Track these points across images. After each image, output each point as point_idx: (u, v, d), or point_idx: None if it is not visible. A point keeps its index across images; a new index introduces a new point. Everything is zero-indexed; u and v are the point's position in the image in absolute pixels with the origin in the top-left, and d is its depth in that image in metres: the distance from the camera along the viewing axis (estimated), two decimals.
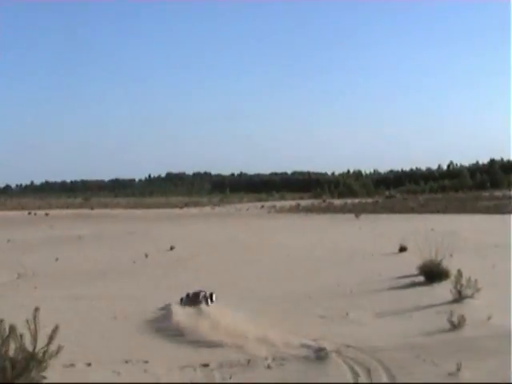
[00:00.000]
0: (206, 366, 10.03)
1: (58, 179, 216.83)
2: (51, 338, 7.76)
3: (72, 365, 10.06)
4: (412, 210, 63.14)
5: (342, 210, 69.06)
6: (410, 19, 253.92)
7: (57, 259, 26.54)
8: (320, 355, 10.22)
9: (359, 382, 9.02)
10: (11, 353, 7.75)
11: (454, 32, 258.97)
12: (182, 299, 15.46)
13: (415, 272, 18.46)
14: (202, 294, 15.54)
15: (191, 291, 15.61)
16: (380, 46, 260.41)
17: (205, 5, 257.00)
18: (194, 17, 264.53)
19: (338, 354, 10.34)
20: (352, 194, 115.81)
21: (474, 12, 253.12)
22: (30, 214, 77.02)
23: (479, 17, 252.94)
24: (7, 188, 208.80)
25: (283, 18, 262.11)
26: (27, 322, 7.69)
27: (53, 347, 7.85)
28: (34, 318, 7.67)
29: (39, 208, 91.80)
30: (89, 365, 10.21)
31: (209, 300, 15.51)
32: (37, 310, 7.74)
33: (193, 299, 15.30)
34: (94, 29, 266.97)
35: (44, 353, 7.86)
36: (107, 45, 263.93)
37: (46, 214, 74.32)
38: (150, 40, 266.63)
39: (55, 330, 7.78)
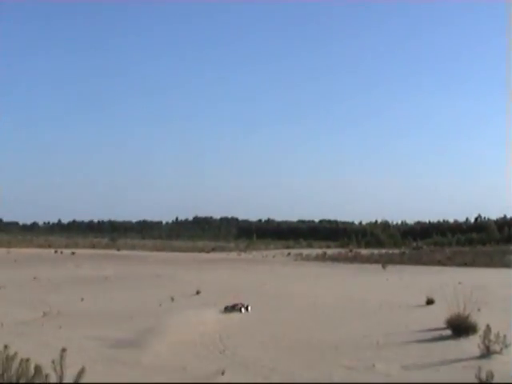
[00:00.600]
0: None
1: (86, 219, 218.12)
2: (78, 378, 7.75)
3: None
4: (439, 263, 62.45)
5: (369, 260, 68.56)
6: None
7: (82, 299, 26.58)
8: None
9: None
10: None
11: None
12: (226, 307, 23.23)
13: (442, 325, 18.25)
14: (239, 305, 23.55)
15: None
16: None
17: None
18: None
19: None
20: (379, 244, 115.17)
21: None
22: (56, 252, 77.22)
23: None
24: (34, 225, 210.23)
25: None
26: (53, 362, 7.68)
27: None
28: (61, 358, 7.67)
29: (66, 247, 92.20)
30: None
31: (244, 309, 23.37)
32: (64, 350, 7.74)
33: (232, 308, 23.22)
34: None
35: None
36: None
37: (73, 253, 74.55)
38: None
39: (82, 371, 7.77)
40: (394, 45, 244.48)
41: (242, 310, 23.41)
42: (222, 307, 23.18)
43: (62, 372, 7.70)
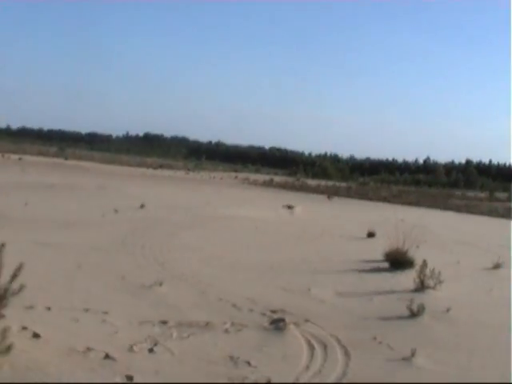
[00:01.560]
0: (164, 323, 10.07)
1: (35, 126, 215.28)
2: (15, 276, 7.72)
3: (31, 307, 10.05)
4: (384, 199, 63.27)
5: (315, 190, 69.16)
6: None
7: (26, 204, 26.37)
8: (279, 326, 10.29)
9: (314, 354, 9.11)
10: None
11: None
12: None
13: (381, 258, 18.58)
14: None
15: None
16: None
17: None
18: None
19: (297, 326, 10.43)
20: (327, 176, 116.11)
21: None
22: (3, 156, 76.31)
23: None
24: None
25: None
26: None
27: (15, 286, 7.81)
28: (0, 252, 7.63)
29: (13, 152, 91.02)
30: (48, 309, 10.20)
31: None
32: (3, 245, 7.69)
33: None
34: None
35: (6, 290, 7.83)
36: None
37: (20, 159, 73.72)
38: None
39: (19, 268, 7.74)
40: None
41: None
42: None
43: (1, 267, 7.65)
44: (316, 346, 9.51)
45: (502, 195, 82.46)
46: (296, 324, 10.48)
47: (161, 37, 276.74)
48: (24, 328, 8.96)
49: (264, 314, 11.12)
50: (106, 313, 10.32)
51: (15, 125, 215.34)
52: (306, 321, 10.90)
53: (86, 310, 10.36)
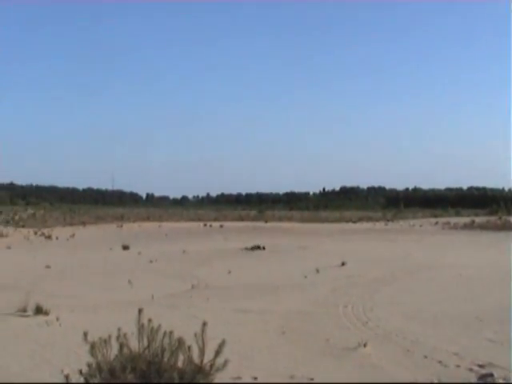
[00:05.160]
0: None
1: (234, 191, 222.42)
2: (218, 352, 7.95)
3: (239, 377, 10.32)
4: None
5: None
6: None
7: (229, 272, 27.17)
8: (487, 381, 9.94)
9: None
10: (179, 364, 8.02)
11: None
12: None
13: None
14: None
15: None
16: None
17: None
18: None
19: (506, 380, 10.02)
20: None
21: None
22: (205, 225, 79.22)
23: None
24: (184, 199, 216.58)
25: None
26: (195, 334, 7.92)
27: (220, 360, 8.04)
28: (202, 331, 7.90)
29: (215, 220, 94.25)
30: (255, 378, 10.42)
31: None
32: (205, 324, 7.97)
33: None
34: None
35: (211, 366, 8.07)
36: None
37: (221, 226, 76.16)
38: None
39: (222, 344, 7.97)
40: None
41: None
42: None
43: (204, 344, 7.90)
44: None
45: None
46: (505, 378, 10.08)
47: None
48: None
49: (471, 370, 10.78)
50: (311, 379, 10.39)
51: (214, 192, 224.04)
52: None
53: (292, 377, 10.48)
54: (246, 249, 39.13)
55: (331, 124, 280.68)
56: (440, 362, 11.42)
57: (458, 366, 11.06)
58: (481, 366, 10.96)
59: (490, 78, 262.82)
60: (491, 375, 10.10)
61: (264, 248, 28.75)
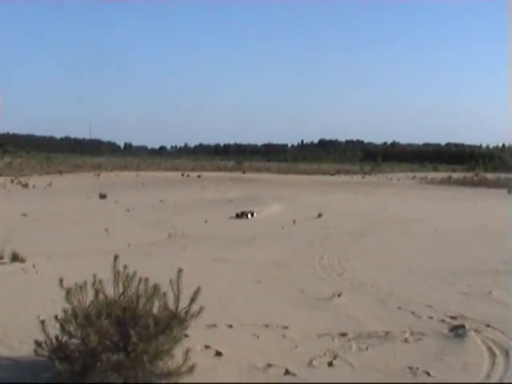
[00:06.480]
0: (343, 335, 10.11)
1: (212, 142, 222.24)
2: (193, 299, 7.99)
3: (214, 325, 10.40)
4: None
5: (495, 184, 66.91)
6: None
7: (206, 221, 27.22)
8: (459, 332, 10.08)
9: (496, 362, 8.85)
10: (155, 310, 8.07)
11: None
12: (236, 214, 29.45)
13: None
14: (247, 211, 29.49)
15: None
16: None
17: None
18: None
19: (477, 332, 10.16)
20: (507, 168, 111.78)
21: None
22: (183, 175, 79.20)
23: None
24: (162, 149, 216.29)
25: None
26: (170, 281, 7.95)
27: (195, 307, 8.08)
28: (178, 278, 7.93)
29: (192, 170, 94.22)
30: (230, 326, 10.50)
31: (249, 215, 29.22)
32: (180, 271, 8.00)
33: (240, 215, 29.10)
34: None
35: (186, 312, 8.12)
36: None
37: (199, 176, 76.14)
38: None
39: (197, 291, 8.00)
40: None
41: (249, 215, 29.35)
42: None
43: (179, 291, 7.93)
44: (497, 352, 9.21)
45: None
46: (476, 330, 10.20)
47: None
48: (207, 347, 9.30)
49: (443, 321, 10.91)
50: (285, 327, 10.47)
51: (192, 142, 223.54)
52: (487, 326, 10.58)
53: (267, 326, 10.56)
54: (224, 200, 39.33)
55: (311, 78, 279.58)
56: (413, 313, 11.54)
57: (431, 318, 11.19)
58: (453, 318, 11.09)
59: (470, 36, 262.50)
60: (463, 327, 10.23)
61: (253, 215, 28.41)
